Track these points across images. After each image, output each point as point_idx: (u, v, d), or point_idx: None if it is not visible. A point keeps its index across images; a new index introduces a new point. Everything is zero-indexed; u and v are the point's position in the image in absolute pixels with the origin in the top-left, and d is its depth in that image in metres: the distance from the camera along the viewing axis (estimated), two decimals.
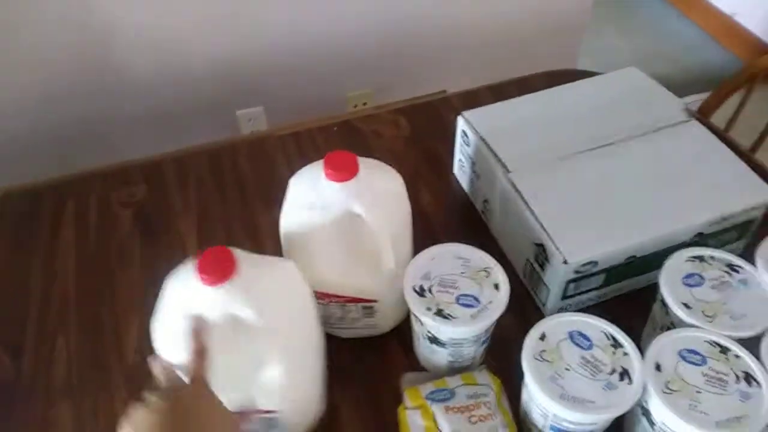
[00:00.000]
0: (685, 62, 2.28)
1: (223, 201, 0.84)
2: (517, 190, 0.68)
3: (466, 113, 0.78)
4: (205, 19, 1.29)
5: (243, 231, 0.79)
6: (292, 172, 0.85)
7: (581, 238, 0.63)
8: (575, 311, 0.60)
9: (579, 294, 0.67)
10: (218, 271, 0.47)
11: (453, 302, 0.57)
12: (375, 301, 0.62)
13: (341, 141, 0.92)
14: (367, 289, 0.61)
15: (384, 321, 0.65)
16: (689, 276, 0.58)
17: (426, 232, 0.77)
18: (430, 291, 0.58)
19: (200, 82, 1.37)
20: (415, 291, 0.58)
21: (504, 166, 0.70)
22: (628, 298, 0.70)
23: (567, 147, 0.71)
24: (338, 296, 0.61)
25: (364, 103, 1.52)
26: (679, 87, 2.35)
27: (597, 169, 0.69)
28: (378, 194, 0.58)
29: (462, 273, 0.59)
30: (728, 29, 2.29)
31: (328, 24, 1.38)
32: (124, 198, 0.84)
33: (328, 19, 1.38)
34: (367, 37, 1.42)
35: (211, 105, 1.41)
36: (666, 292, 0.57)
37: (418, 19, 1.44)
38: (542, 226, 0.64)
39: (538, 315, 0.69)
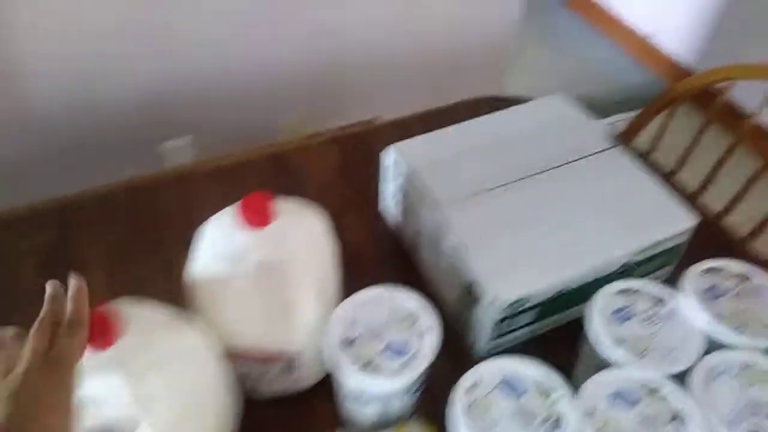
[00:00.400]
0: (609, 83, 2.37)
1: (140, 245, 0.78)
2: (446, 225, 0.66)
3: (397, 145, 0.76)
4: (125, 46, 1.23)
5: (162, 279, 0.74)
6: (216, 212, 0.81)
7: (511, 276, 0.61)
8: (510, 348, 0.58)
9: (511, 331, 0.65)
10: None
11: (380, 353, 0.54)
12: (297, 355, 0.58)
13: (268, 175, 0.88)
14: (288, 343, 0.57)
15: (308, 375, 0.61)
16: (618, 311, 0.58)
17: (354, 270, 0.74)
18: (355, 342, 0.55)
19: (121, 113, 1.30)
20: (339, 343, 0.55)
21: (435, 200, 0.68)
22: (563, 330, 0.69)
23: (496, 178, 0.70)
24: (256, 354, 0.57)
25: (298, 131, 1.49)
26: (604, 108, 2.42)
27: (525, 200, 0.68)
28: (298, 240, 0.55)
29: (389, 320, 0.57)
30: (647, 51, 2.39)
31: (259, 50, 1.35)
32: (27, 246, 0.77)
33: (259, 45, 1.34)
34: (299, 64, 1.39)
35: (134, 137, 1.34)
36: (595, 330, 0.56)
37: (349, 45, 1.43)
38: (472, 263, 0.62)
39: (470, 357, 0.67)
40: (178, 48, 1.27)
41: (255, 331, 0.56)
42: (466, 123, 0.79)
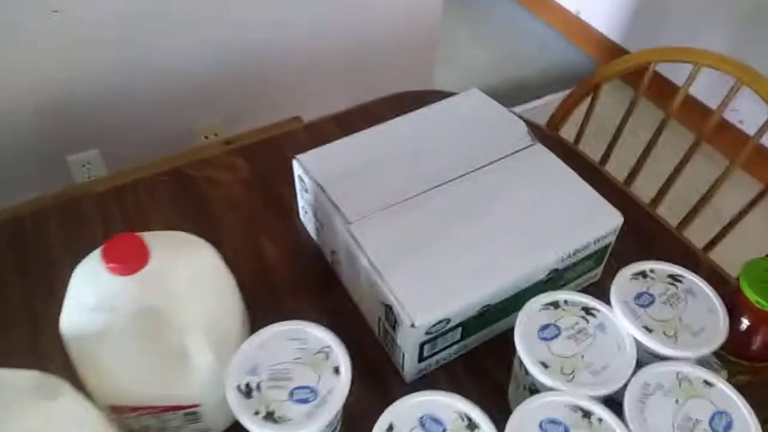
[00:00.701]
0: (541, 63, 2.35)
1: (22, 284, 0.70)
2: (358, 244, 0.60)
3: (301, 157, 0.69)
4: (18, 51, 1.12)
5: (48, 322, 0.65)
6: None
7: (429, 295, 0.56)
8: (440, 368, 0.53)
9: (437, 352, 0.60)
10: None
11: (286, 399, 0.48)
12: (197, 405, 0.52)
13: (171, 193, 0.80)
14: (183, 394, 0.50)
15: (215, 423, 0.55)
16: (545, 328, 0.53)
17: (270, 292, 0.69)
18: (258, 388, 0.49)
19: (17, 125, 1.19)
20: (240, 391, 0.49)
21: (343, 215, 0.62)
22: (494, 343, 0.65)
23: (410, 187, 0.65)
24: (150, 407, 0.50)
25: (215, 134, 1.40)
26: (536, 87, 2.42)
27: (441, 210, 0.63)
28: (181, 280, 0.48)
29: (297, 359, 0.51)
30: (576, 27, 2.39)
31: (171, 52, 1.25)
32: None
33: (170, 46, 1.25)
34: (211, 65, 1.30)
35: (34, 151, 1.23)
36: (522, 351, 0.52)
37: (264, 44, 1.34)
38: (387, 285, 0.57)
39: (398, 379, 0.62)
40: (74, 54, 1.16)
41: (142, 386, 0.49)
42: (377, 127, 0.73)
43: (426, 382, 0.62)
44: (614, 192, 0.80)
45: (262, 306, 0.67)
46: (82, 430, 0.44)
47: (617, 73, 0.86)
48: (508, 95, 2.19)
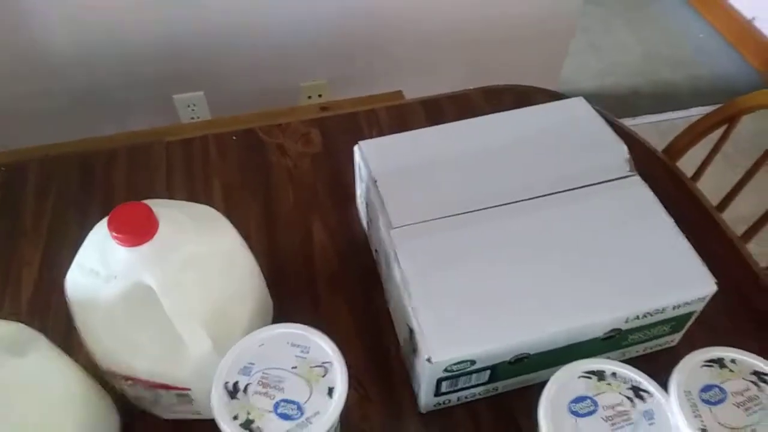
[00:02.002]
0: (696, 69, 2.10)
1: (82, 223, 0.71)
2: (395, 253, 0.54)
3: (363, 144, 0.64)
4: None
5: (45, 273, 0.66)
6: (171, 192, 0.72)
7: (457, 330, 0.50)
8: (459, 405, 0.47)
9: (459, 390, 0.54)
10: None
11: (269, 410, 0.44)
12: (188, 389, 0.50)
13: (238, 155, 0.78)
14: (174, 375, 0.48)
15: (207, 409, 0.52)
16: (579, 400, 0.45)
17: (308, 280, 0.65)
18: (245, 391, 0.45)
19: (132, 60, 1.23)
20: (227, 389, 0.45)
21: (388, 217, 0.57)
22: (532, 390, 0.57)
23: (471, 200, 0.57)
24: (141, 380, 0.49)
25: (320, 95, 1.38)
26: (685, 96, 2.18)
27: (500, 233, 0.55)
28: (187, 260, 0.45)
29: (293, 368, 0.46)
30: (746, 35, 2.10)
31: (283, 6, 1.23)
32: None
33: (283, 1, 1.23)
34: (323, 22, 1.27)
35: (145, 87, 1.27)
36: (544, 422, 0.44)
37: (381, 8, 1.28)
38: (413, 307, 0.51)
39: (415, 404, 0.56)
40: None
41: (132, 359, 0.47)
42: (455, 123, 0.65)
43: (443, 415, 0.56)
44: (727, 248, 0.68)
45: (293, 293, 0.64)
46: (53, 385, 0.42)
47: (761, 107, 0.72)
48: (648, 99, 1.98)
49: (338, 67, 1.34)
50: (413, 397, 0.57)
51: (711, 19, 2.23)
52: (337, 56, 1.32)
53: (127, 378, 0.49)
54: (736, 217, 0.87)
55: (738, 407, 0.44)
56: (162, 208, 0.45)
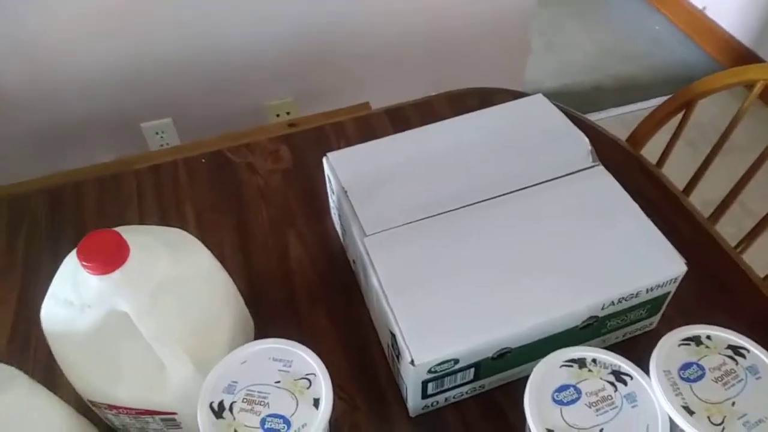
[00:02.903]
0: (654, 60, 2.15)
1: (55, 257, 0.70)
2: (371, 260, 0.55)
3: (331, 155, 0.64)
4: (95, 23, 1.14)
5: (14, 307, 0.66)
6: (143, 219, 0.71)
7: (438, 331, 0.50)
8: (448, 405, 0.47)
9: (445, 390, 0.54)
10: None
11: (256, 427, 0.44)
12: (174, 413, 0.49)
13: (208, 177, 0.78)
14: (158, 400, 0.48)
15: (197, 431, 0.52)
16: (562, 389, 0.46)
17: (287, 295, 0.65)
18: (231, 410, 0.45)
19: (95, 92, 1.23)
20: (212, 409, 0.45)
21: (361, 225, 0.57)
22: (518, 384, 0.58)
23: (441, 202, 0.58)
24: (125, 408, 0.48)
25: (288, 113, 1.38)
26: (645, 88, 2.23)
27: (472, 231, 0.56)
28: (161, 283, 0.45)
29: (277, 383, 0.46)
30: (699, 25, 2.16)
31: (245, 28, 1.24)
32: None
33: (245, 22, 1.23)
34: (280, 41, 1.28)
35: (110, 117, 1.26)
36: (530, 414, 0.44)
37: (340, 24, 1.30)
38: (393, 312, 0.51)
39: (405, 409, 0.56)
40: (153, 23, 1.18)
41: (114, 388, 0.47)
42: (421, 129, 0.66)
43: (433, 417, 0.56)
44: (695, 230, 0.69)
45: (274, 310, 0.64)
46: (36, 421, 0.42)
47: (714, 91, 0.74)
48: (611, 93, 2.02)
49: (302, 83, 1.35)
50: (402, 402, 0.57)
51: (666, 12, 2.29)
52: (298, 74, 1.33)
53: (111, 407, 0.48)
54: (707, 201, 0.89)
55: (716, 382, 0.45)
56: (132, 234, 0.45)
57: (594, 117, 1.93)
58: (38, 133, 1.23)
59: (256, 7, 1.21)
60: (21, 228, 0.73)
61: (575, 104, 2.04)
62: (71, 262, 0.45)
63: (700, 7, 2.14)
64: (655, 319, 0.59)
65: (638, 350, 0.48)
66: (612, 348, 0.49)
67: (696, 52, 2.16)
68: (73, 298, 0.44)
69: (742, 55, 1.99)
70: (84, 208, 0.75)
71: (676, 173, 0.89)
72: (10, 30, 1.09)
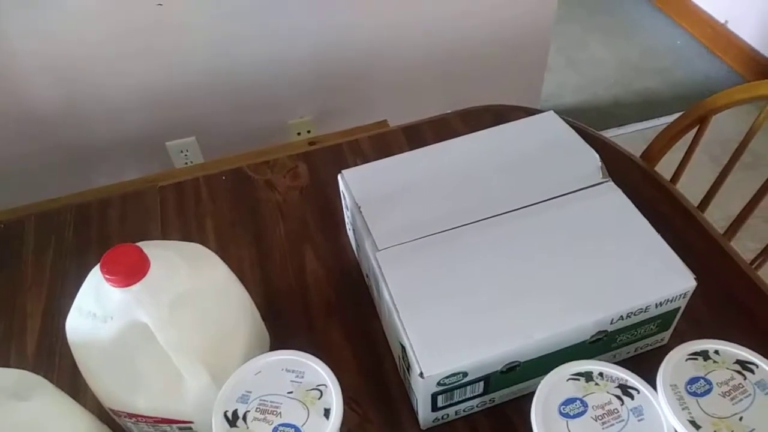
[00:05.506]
0: (676, 75, 2.14)
1: (80, 271, 0.73)
2: (382, 274, 0.56)
3: (346, 172, 0.66)
4: (121, 45, 1.19)
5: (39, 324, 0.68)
6: (165, 235, 0.74)
7: (447, 344, 0.51)
8: (459, 419, 0.47)
9: (455, 403, 0.55)
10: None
11: None
12: (190, 422, 0.51)
13: (228, 194, 0.81)
14: (176, 409, 0.50)
15: None
16: (568, 402, 0.46)
17: (303, 308, 0.67)
18: (244, 419, 0.47)
19: (121, 112, 1.27)
20: (227, 418, 0.47)
21: (373, 240, 0.59)
22: (529, 399, 0.58)
23: (453, 218, 0.59)
24: (144, 416, 0.50)
25: (308, 131, 1.41)
26: (666, 103, 2.21)
27: (483, 247, 0.57)
28: (181, 296, 0.47)
29: (289, 393, 0.48)
30: (722, 39, 2.15)
31: (266, 47, 1.28)
32: None
33: (266, 42, 1.27)
34: (306, 61, 1.31)
35: (137, 137, 1.31)
36: (537, 427, 0.45)
37: (360, 45, 1.32)
38: (403, 325, 0.52)
39: (416, 421, 0.57)
40: (177, 45, 1.22)
41: (134, 396, 0.49)
42: (434, 146, 0.68)
43: (444, 431, 0.57)
44: (709, 245, 0.69)
45: (290, 322, 0.66)
46: (59, 428, 0.44)
47: (727, 106, 0.74)
48: (632, 108, 2.02)
49: (321, 103, 1.38)
50: (413, 414, 0.58)
51: (687, 26, 2.28)
52: (318, 93, 1.36)
53: (130, 415, 0.50)
54: (732, 215, 0.88)
55: (724, 397, 0.45)
56: (153, 249, 0.47)
57: (615, 132, 1.93)
58: (68, 151, 1.27)
59: (277, 28, 1.24)
60: (49, 243, 0.76)
61: (596, 119, 2.04)
62: (95, 276, 0.48)
63: (722, 20, 2.13)
64: (666, 335, 0.59)
65: (649, 365, 0.48)
66: (623, 363, 0.50)
67: (718, 66, 2.15)
68: (96, 310, 0.46)
69: (765, 69, 1.97)
70: (109, 224, 0.78)
71: (698, 189, 0.88)
72: (43, 50, 1.14)
